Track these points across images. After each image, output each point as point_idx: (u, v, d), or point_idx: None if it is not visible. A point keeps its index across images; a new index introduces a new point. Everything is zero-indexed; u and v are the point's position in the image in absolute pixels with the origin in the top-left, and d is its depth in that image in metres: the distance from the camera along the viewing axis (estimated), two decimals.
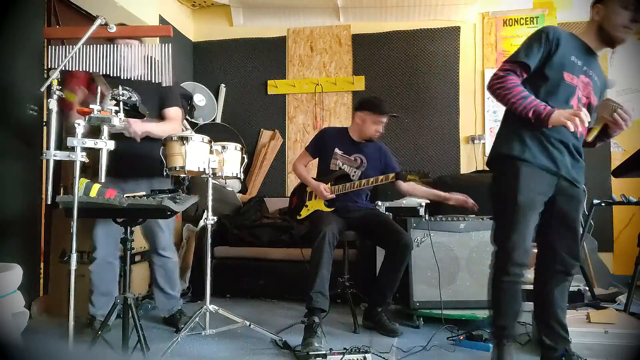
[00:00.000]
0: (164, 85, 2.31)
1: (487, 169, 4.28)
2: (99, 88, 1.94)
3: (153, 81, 2.07)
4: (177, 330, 2.55)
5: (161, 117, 2.56)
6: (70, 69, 1.95)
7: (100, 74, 2.03)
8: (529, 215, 1.85)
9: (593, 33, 1.91)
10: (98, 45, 1.99)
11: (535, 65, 1.85)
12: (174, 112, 2.58)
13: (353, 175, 2.86)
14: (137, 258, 3.08)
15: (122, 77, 2.02)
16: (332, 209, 2.79)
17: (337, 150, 2.88)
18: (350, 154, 2.87)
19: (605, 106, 1.83)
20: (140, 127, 2.29)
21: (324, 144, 2.93)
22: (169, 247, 2.65)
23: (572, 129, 1.72)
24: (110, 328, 2.28)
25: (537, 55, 1.85)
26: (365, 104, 2.86)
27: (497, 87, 1.86)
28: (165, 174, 2.33)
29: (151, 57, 2.12)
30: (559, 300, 1.96)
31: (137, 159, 2.41)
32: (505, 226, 1.89)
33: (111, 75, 2.02)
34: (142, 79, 2.07)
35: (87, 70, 2.01)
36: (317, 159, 3.00)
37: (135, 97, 2.33)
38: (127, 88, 2.38)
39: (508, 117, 1.98)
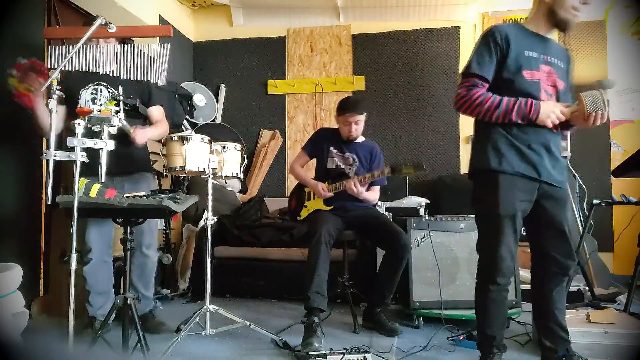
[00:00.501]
0: (150, 82, 2.31)
1: None
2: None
3: (134, 78, 2.07)
4: (152, 332, 2.50)
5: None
6: (71, 69, 1.95)
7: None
8: (512, 225, 1.83)
9: (542, 16, 1.87)
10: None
11: (492, 74, 1.83)
12: (159, 112, 2.60)
13: (348, 173, 2.86)
14: None
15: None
16: (331, 207, 2.80)
17: (332, 148, 2.89)
18: (344, 153, 2.89)
19: (594, 100, 1.70)
20: (145, 137, 2.35)
21: (320, 143, 2.94)
22: (153, 246, 2.62)
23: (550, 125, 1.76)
24: (110, 328, 2.28)
25: (491, 64, 1.82)
26: (337, 105, 2.89)
27: (466, 106, 1.84)
28: (164, 173, 2.33)
29: (148, 55, 2.12)
30: (557, 302, 1.94)
31: (122, 157, 2.40)
32: (489, 237, 1.87)
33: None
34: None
35: (87, 70, 2.01)
36: (314, 159, 3.02)
37: (115, 93, 2.33)
38: (103, 83, 2.39)
39: (479, 129, 1.94)
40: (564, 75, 1.90)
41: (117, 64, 2.07)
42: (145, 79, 2.03)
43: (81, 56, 1.99)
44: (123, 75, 2.00)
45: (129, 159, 2.40)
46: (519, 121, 1.78)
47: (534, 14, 1.91)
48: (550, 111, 1.74)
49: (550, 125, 1.76)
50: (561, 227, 1.88)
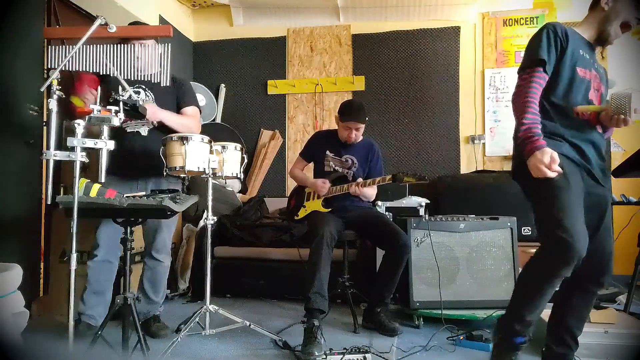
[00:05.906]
0: (181, 83, 2.30)
1: (487, 169, 4.25)
2: (99, 89, 1.93)
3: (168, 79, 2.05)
4: (153, 336, 2.49)
5: None
6: (71, 69, 1.95)
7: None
8: (581, 203, 1.71)
9: (595, 24, 1.86)
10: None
11: (553, 64, 1.78)
12: (193, 111, 2.59)
13: (347, 175, 2.86)
14: (137, 258, 3.07)
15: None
16: (329, 210, 2.80)
17: (327, 152, 2.90)
18: (341, 156, 2.89)
19: (620, 103, 1.68)
20: (156, 115, 2.29)
21: (316, 148, 2.96)
22: (164, 250, 2.57)
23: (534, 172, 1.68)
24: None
25: (554, 53, 1.77)
26: (339, 108, 2.87)
27: (521, 99, 1.76)
28: (164, 173, 2.32)
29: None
30: (579, 311, 1.89)
31: (148, 157, 2.39)
32: (560, 215, 1.66)
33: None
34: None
35: (88, 70, 2.00)
36: (312, 163, 3.03)
37: (150, 96, 2.34)
38: (142, 86, 2.39)
39: None
40: (605, 83, 1.92)
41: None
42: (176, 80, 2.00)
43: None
44: (124, 75, 1.99)
45: (153, 159, 2.35)
46: (519, 140, 1.73)
47: (588, 21, 1.89)
48: (540, 161, 1.64)
49: (533, 171, 1.68)
50: (606, 245, 1.81)
